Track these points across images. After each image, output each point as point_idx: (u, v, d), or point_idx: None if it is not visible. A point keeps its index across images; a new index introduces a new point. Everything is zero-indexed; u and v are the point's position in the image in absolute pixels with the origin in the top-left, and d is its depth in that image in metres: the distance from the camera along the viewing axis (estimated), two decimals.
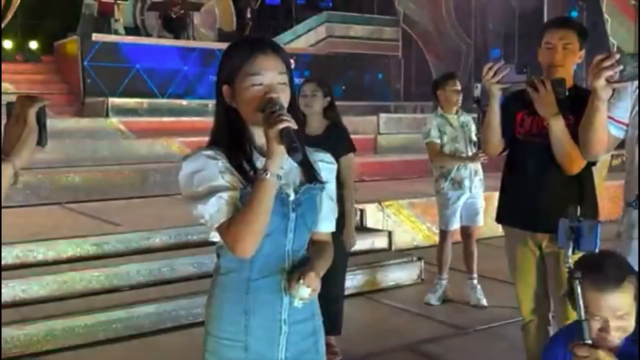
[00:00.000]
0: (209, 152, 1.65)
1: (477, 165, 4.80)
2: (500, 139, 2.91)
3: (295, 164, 1.67)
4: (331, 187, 1.83)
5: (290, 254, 1.71)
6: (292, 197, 1.69)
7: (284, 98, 1.64)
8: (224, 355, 1.72)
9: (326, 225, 1.84)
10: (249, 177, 1.64)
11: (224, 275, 1.73)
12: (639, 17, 10.32)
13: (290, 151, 1.53)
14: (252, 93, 1.62)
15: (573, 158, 2.66)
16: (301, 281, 1.60)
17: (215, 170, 1.63)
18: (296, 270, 1.66)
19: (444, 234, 4.92)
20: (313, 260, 1.73)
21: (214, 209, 1.61)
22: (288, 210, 1.68)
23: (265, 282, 1.69)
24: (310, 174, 1.74)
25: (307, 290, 1.61)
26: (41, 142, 1.42)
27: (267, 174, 1.56)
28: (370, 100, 12.36)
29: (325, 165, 1.82)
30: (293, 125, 1.54)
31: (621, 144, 2.36)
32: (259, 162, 1.66)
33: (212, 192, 1.61)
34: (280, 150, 1.54)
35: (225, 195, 1.61)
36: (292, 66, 1.79)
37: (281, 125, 1.52)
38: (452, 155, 4.73)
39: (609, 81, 1.99)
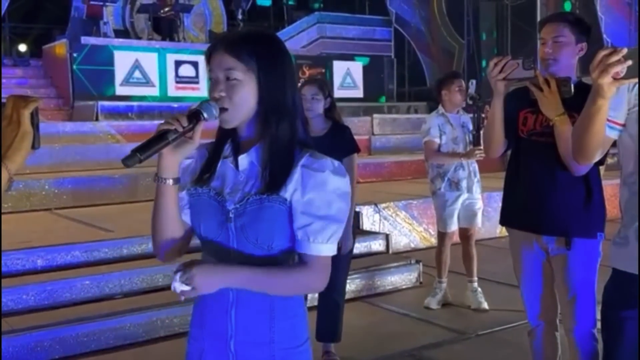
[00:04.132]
0: None
1: (475, 167, 4.71)
2: (502, 139, 2.81)
3: (259, 168, 1.54)
4: (313, 199, 1.50)
5: None
6: (229, 205, 1.53)
7: (236, 96, 1.50)
8: (188, 353, 1.66)
9: (300, 245, 1.53)
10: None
11: None
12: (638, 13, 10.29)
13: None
14: (210, 87, 1.57)
15: None
16: (178, 274, 1.43)
17: (180, 171, 1.59)
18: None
19: (442, 236, 4.82)
20: (241, 266, 1.51)
21: None
22: (225, 219, 1.54)
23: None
24: (266, 183, 1.51)
25: (180, 286, 1.42)
26: (34, 144, 1.33)
27: (155, 178, 1.52)
28: (364, 101, 12.29)
29: (311, 174, 1.51)
30: (174, 127, 1.45)
31: (613, 142, 2.22)
32: (223, 160, 1.59)
33: None
34: (162, 152, 1.48)
35: None
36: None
37: (160, 129, 1.46)
38: (447, 153, 4.63)
39: (615, 78, 1.83)
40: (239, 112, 1.52)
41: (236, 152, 1.58)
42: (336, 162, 1.55)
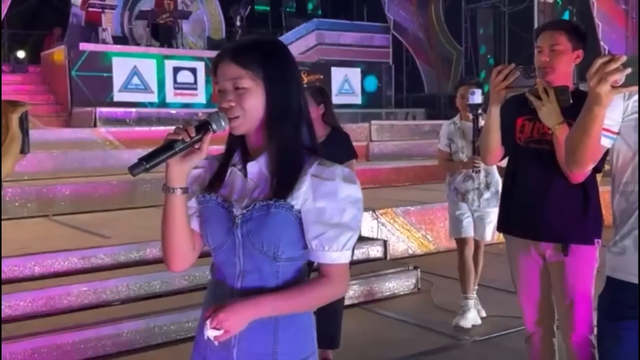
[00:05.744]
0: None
1: (491, 178, 4.54)
2: (499, 146, 2.83)
3: (268, 175, 1.54)
4: (325, 208, 1.50)
5: (241, 275, 1.55)
6: (236, 211, 1.54)
7: (246, 104, 1.51)
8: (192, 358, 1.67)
9: (315, 254, 1.53)
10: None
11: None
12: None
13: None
14: (218, 98, 1.58)
15: None
16: (208, 321, 1.45)
17: (190, 180, 1.59)
18: (238, 298, 1.51)
19: (457, 243, 4.64)
20: (264, 294, 1.51)
21: None
22: (232, 226, 1.54)
23: (219, 299, 1.56)
24: (274, 189, 1.51)
25: (213, 332, 1.44)
26: (23, 149, 1.33)
27: (164, 188, 1.52)
28: (362, 108, 12.31)
29: (321, 182, 1.51)
30: (182, 137, 1.45)
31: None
32: (232, 168, 1.60)
33: None
34: (169, 162, 1.48)
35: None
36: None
37: (167, 138, 1.47)
38: (452, 162, 4.61)
39: (613, 86, 1.80)
40: (250, 119, 1.53)
41: (245, 160, 1.59)
42: (346, 170, 1.54)
